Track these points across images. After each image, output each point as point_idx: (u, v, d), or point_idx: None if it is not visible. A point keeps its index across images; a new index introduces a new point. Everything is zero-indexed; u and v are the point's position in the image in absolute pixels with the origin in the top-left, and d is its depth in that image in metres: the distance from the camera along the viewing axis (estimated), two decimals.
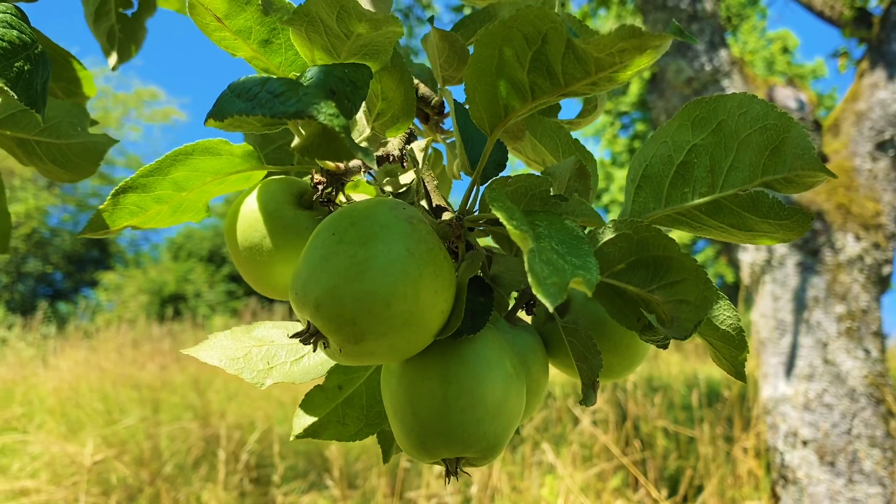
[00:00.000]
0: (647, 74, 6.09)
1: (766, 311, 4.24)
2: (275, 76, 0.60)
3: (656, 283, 0.55)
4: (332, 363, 0.64)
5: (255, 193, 0.63)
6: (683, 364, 8.87)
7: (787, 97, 4.55)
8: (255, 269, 0.62)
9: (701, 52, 4.45)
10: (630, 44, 0.41)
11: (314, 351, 0.49)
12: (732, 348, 0.58)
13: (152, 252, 23.11)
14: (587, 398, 0.57)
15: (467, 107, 0.55)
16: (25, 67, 0.54)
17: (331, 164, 0.59)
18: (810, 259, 4.09)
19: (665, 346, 0.58)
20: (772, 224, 0.56)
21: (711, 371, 8.34)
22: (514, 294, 0.66)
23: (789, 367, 4.14)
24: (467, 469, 3.47)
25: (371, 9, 0.66)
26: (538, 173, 0.51)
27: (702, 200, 0.58)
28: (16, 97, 0.53)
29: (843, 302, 4.00)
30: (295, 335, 0.49)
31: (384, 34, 0.50)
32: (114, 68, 0.96)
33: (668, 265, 0.54)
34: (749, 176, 0.55)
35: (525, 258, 0.37)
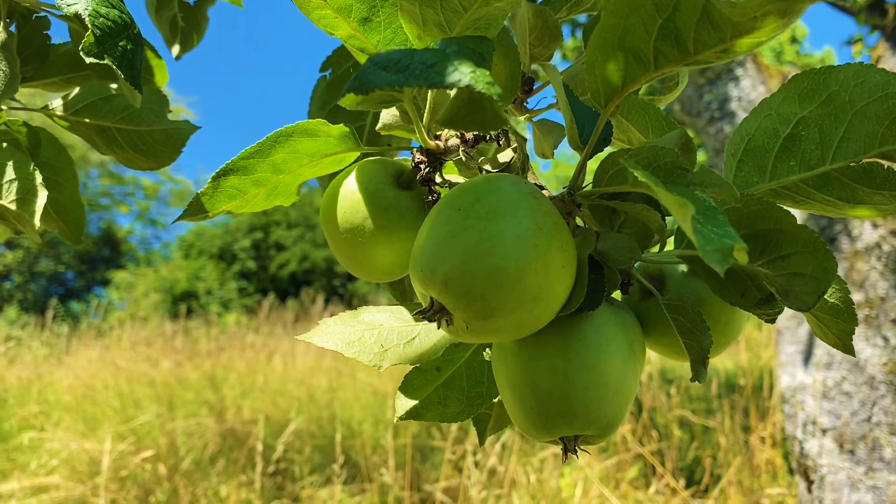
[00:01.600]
0: None
1: None
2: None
3: (766, 258, 0.54)
4: (444, 344, 0.63)
5: (353, 175, 0.62)
6: None
7: None
8: (356, 250, 0.62)
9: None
10: (775, 6, 0.40)
11: (437, 328, 0.48)
12: (842, 321, 0.58)
13: (163, 250, 23.18)
14: (698, 374, 0.57)
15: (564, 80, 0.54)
16: (128, 47, 0.54)
17: (431, 144, 0.58)
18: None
19: (773, 321, 0.57)
20: (885, 195, 0.55)
21: (726, 361, 8.32)
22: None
23: (807, 355, 4.13)
24: (486, 461, 3.45)
25: None
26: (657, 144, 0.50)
27: (810, 173, 0.57)
28: (122, 76, 0.53)
29: (861, 290, 3.98)
30: (418, 312, 0.48)
31: (500, 7, 0.50)
32: (177, 58, 0.95)
33: (780, 238, 0.53)
34: (864, 147, 0.54)
35: (689, 225, 0.37)
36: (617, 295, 0.69)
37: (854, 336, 3.23)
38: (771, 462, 4.67)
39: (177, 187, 22.09)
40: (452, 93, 0.47)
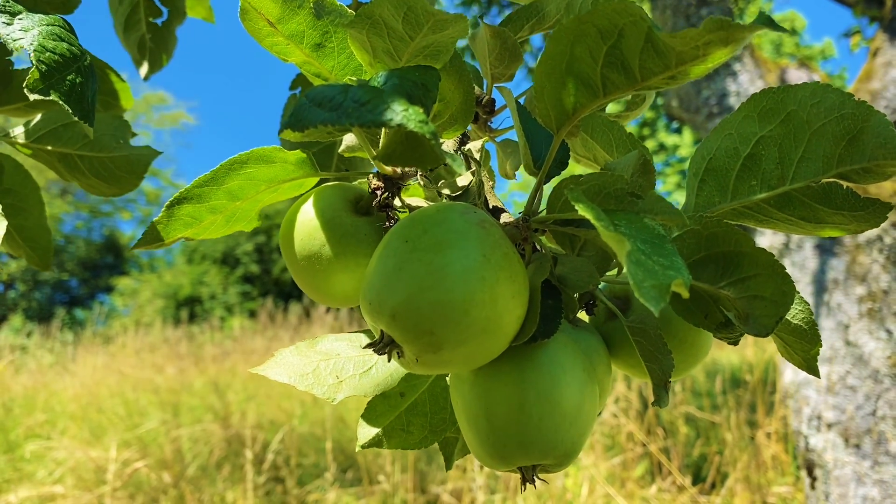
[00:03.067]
0: None
1: None
2: (328, 81, 0.59)
3: (727, 279, 0.53)
4: (402, 374, 0.63)
5: (310, 201, 0.62)
6: None
7: (799, 79, 4.51)
8: (314, 278, 0.61)
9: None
10: (717, 36, 0.40)
11: (388, 361, 0.48)
12: (805, 342, 0.57)
13: (166, 256, 23.22)
14: (660, 399, 0.56)
15: (521, 101, 0.53)
16: (77, 80, 0.53)
17: (388, 170, 0.58)
18: (828, 241, 4.05)
19: (736, 343, 0.57)
20: (845, 216, 0.54)
21: (731, 357, 8.30)
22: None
23: None
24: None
25: None
26: (602, 170, 0.49)
27: (771, 193, 0.56)
28: (69, 111, 0.52)
29: (864, 283, 3.96)
30: (369, 345, 0.48)
31: (449, 35, 0.49)
32: (146, 78, 0.95)
33: (740, 260, 0.52)
34: (823, 167, 0.53)
35: (625, 262, 0.36)
36: (585, 316, 0.68)
37: (857, 330, 3.22)
38: (777, 458, 4.65)
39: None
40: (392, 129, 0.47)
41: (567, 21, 0.44)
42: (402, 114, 0.37)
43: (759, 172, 0.56)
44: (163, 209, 0.56)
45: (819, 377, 0.58)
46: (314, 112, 0.39)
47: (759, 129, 0.56)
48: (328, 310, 11.50)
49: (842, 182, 0.53)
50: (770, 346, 7.24)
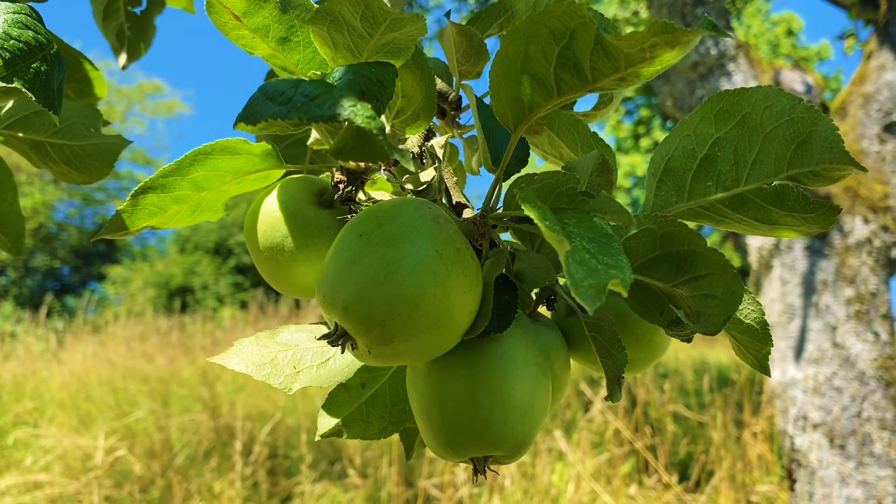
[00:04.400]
0: None
1: (775, 296, 4.23)
2: (294, 74, 0.60)
3: (681, 278, 0.54)
4: (359, 365, 0.64)
5: (274, 193, 0.63)
6: (691, 350, 8.87)
7: (793, 80, 4.52)
8: (277, 269, 0.62)
9: (706, 38, 4.42)
10: (662, 39, 0.41)
11: (342, 353, 0.49)
12: (757, 342, 0.58)
13: (159, 245, 23.18)
14: (612, 394, 0.57)
15: (487, 101, 0.54)
16: (42, 68, 0.54)
17: (352, 164, 0.59)
18: (818, 242, 4.08)
19: (689, 341, 0.58)
20: (797, 217, 0.55)
21: (720, 356, 8.33)
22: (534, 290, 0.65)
23: (798, 350, 4.14)
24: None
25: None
26: (561, 170, 0.50)
27: (725, 194, 0.57)
28: (33, 98, 0.53)
29: (852, 285, 3.99)
30: (322, 337, 0.49)
31: (408, 33, 0.50)
32: (123, 67, 0.95)
33: (693, 260, 0.53)
34: (774, 169, 0.54)
35: (563, 261, 0.37)
36: (547, 311, 0.69)
37: (845, 332, 3.24)
38: (763, 457, 4.68)
39: None
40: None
41: (521, 21, 0.45)
42: (349, 109, 0.38)
43: (715, 173, 0.57)
44: (127, 198, 0.57)
45: (770, 376, 0.59)
46: (265, 106, 0.40)
47: (716, 130, 0.57)
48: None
49: (792, 184, 0.54)
50: None
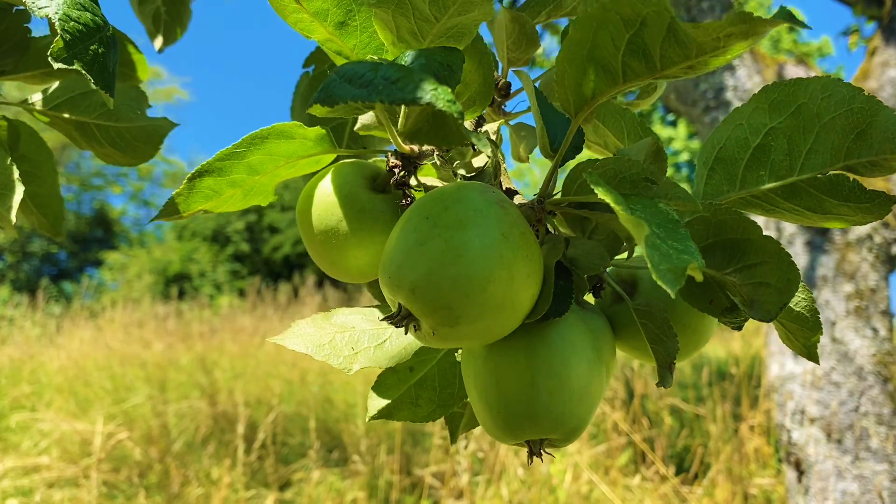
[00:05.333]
0: None
1: None
2: (349, 59, 0.60)
3: (734, 266, 0.55)
4: (415, 347, 0.64)
5: (328, 177, 0.63)
6: None
7: (796, 75, 4.52)
8: (331, 252, 0.62)
9: None
10: (738, 29, 0.41)
11: (405, 334, 0.49)
12: (807, 330, 0.59)
13: (156, 232, 23.12)
14: (664, 380, 0.58)
15: (537, 85, 0.55)
16: (100, 50, 0.54)
17: (406, 148, 0.59)
18: (819, 238, 4.09)
19: (740, 329, 0.58)
20: (851, 207, 0.56)
21: (718, 349, 8.36)
22: None
23: None
24: (477, 447, 3.46)
25: None
26: (617, 155, 0.51)
27: (778, 183, 0.58)
28: (92, 81, 0.53)
29: (852, 281, 4.00)
30: (386, 318, 0.49)
31: (473, 17, 0.50)
32: (160, 51, 0.95)
33: (747, 248, 0.54)
34: (830, 159, 0.55)
35: (643, 245, 0.37)
36: (590, 298, 0.70)
37: (844, 327, 3.25)
38: (760, 450, 4.71)
39: (171, 168, 22.03)
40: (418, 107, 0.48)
41: (591, 8, 0.45)
42: (431, 93, 0.38)
43: (768, 163, 0.58)
44: (183, 182, 0.57)
45: (819, 363, 0.60)
46: (344, 88, 0.40)
47: (770, 120, 0.57)
48: (318, 289, 11.50)
49: (848, 174, 0.55)
50: (756, 340, 7.30)
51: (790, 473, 3.94)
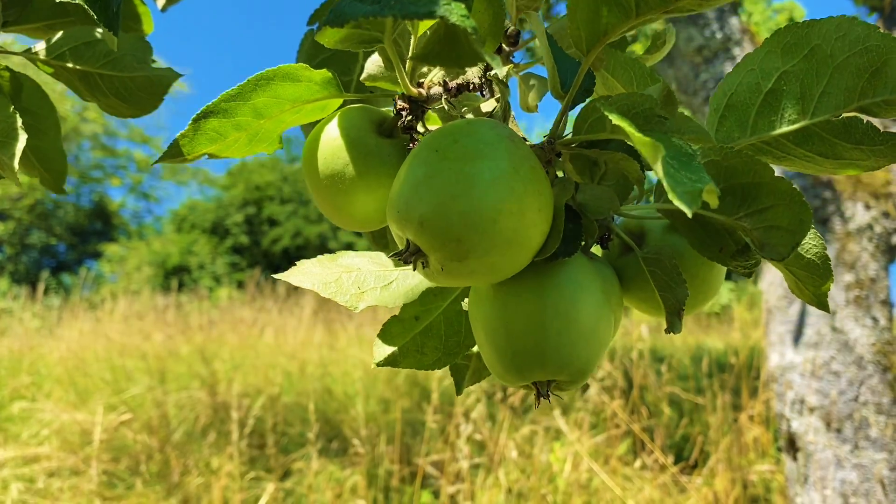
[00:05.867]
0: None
1: (775, 280, 4.24)
2: None
3: (744, 211, 0.54)
4: (422, 288, 0.64)
5: (335, 121, 0.62)
6: (687, 337, 8.91)
7: None
8: (336, 197, 0.62)
9: (712, 20, 4.41)
10: None
11: (413, 270, 0.48)
12: (817, 277, 0.58)
13: (155, 224, 23.10)
14: (673, 326, 0.57)
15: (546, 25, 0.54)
16: None
17: (414, 91, 0.58)
18: (819, 228, 4.08)
19: (750, 275, 0.58)
20: (864, 150, 0.55)
21: (716, 343, 8.37)
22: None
23: (797, 335, 4.16)
24: (476, 434, 3.46)
25: None
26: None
27: (790, 128, 0.57)
28: (94, 16, 0.52)
29: (852, 271, 4.00)
30: (394, 254, 0.49)
31: None
32: (163, 9, 0.94)
33: (758, 192, 0.53)
34: (844, 101, 0.54)
35: (659, 168, 0.37)
36: (598, 251, 0.69)
37: (844, 316, 3.25)
38: (759, 440, 4.71)
39: None
40: (428, 30, 0.47)
41: None
42: (444, 7, 0.38)
43: (780, 108, 0.57)
44: (189, 123, 0.56)
45: (829, 311, 0.59)
46: (354, 6, 0.39)
47: (782, 63, 0.56)
48: None
49: (862, 116, 0.54)
50: (755, 332, 7.30)
51: (789, 462, 3.95)
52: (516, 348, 0.53)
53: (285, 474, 4.78)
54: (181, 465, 4.59)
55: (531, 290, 0.53)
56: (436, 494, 4.22)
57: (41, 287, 9.96)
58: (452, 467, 4.13)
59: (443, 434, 4.59)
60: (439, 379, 5.06)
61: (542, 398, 0.54)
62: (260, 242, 19.88)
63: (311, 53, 0.78)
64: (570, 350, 0.52)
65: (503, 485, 4.02)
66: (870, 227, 4.09)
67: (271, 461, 4.71)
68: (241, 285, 15.67)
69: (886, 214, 4.10)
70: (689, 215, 0.36)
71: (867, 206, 4.14)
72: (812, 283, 0.58)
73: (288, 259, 18.77)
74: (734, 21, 4.39)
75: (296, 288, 11.32)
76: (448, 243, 0.47)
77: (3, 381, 6.04)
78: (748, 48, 4.38)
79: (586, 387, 5.43)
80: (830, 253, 4.05)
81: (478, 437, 4.29)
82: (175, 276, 16.69)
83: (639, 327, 5.69)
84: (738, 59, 4.28)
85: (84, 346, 7.41)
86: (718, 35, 4.41)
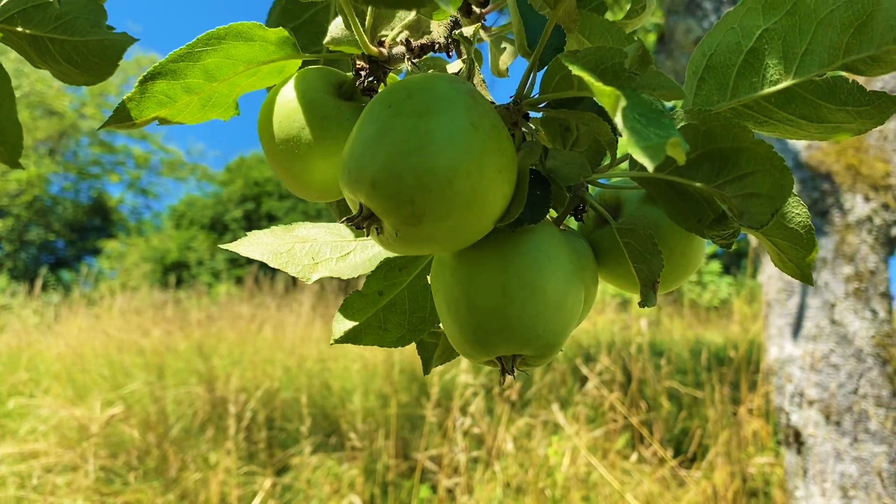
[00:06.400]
0: (653, 37, 6.00)
1: (774, 273, 4.22)
2: None
3: (723, 178, 0.51)
4: (380, 258, 0.61)
5: (291, 83, 0.59)
6: (686, 331, 8.88)
7: None
8: (293, 163, 0.58)
9: (710, 12, 4.38)
10: None
11: (367, 235, 0.45)
12: (800, 248, 0.55)
13: (154, 220, 23.08)
14: (647, 299, 0.54)
15: None
16: None
17: (374, 50, 0.55)
18: (819, 220, 4.05)
19: (730, 247, 0.55)
20: (849, 112, 0.52)
21: (715, 337, 8.34)
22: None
23: (796, 328, 4.13)
24: (475, 428, 3.44)
25: None
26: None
27: (772, 90, 0.54)
28: None
29: (851, 263, 3.97)
30: (346, 220, 0.45)
31: None
32: None
33: (738, 157, 0.50)
34: (828, 58, 0.51)
35: (620, 118, 0.34)
36: (573, 224, 0.66)
37: (843, 309, 3.22)
38: (758, 433, 4.69)
39: (168, 157, 22.01)
40: None
41: None
42: None
43: (762, 68, 0.54)
44: (135, 85, 0.53)
45: (812, 285, 0.56)
46: None
47: (764, 21, 0.53)
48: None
49: (847, 75, 0.51)
50: (754, 326, 7.27)
51: (789, 456, 3.92)
52: (479, 321, 0.49)
53: (283, 469, 4.77)
54: (179, 460, 4.58)
55: (494, 259, 0.50)
56: (434, 489, 4.20)
57: (39, 283, 9.94)
58: (450, 461, 4.11)
59: (441, 428, 4.57)
60: (440, 374, 5.04)
61: (506, 374, 0.51)
62: None
63: (280, 21, 0.75)
64: (536, 322, 0.49)
65: (501, 479, 4.00)
66: (869, 219, 4.06)
67: (269, 456, 4.69)
68: (239, 281, 15.64)
69: (886, 206, 4.07)
70: (651, 170, 0.33)
71: (866, 198, 4.11)
72: (795, 253, 0.55)
73: None
74: None
75: (294, 283, 11.30)
76: (402, 206, 0.43)
77: (1, 378, 6.03)
78: None
79: (585, 380, 5.39)
80: (830, 245, 4.02)
81: (476, 430, 4.27)
82: (174, 272, 16.65)
83: (638, 321, 5.68)
84: None
85: (82, 342, 7.39)
86: None
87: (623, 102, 0.36)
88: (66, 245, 20.83)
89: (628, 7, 0.68)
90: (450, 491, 4.07)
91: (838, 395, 3.90)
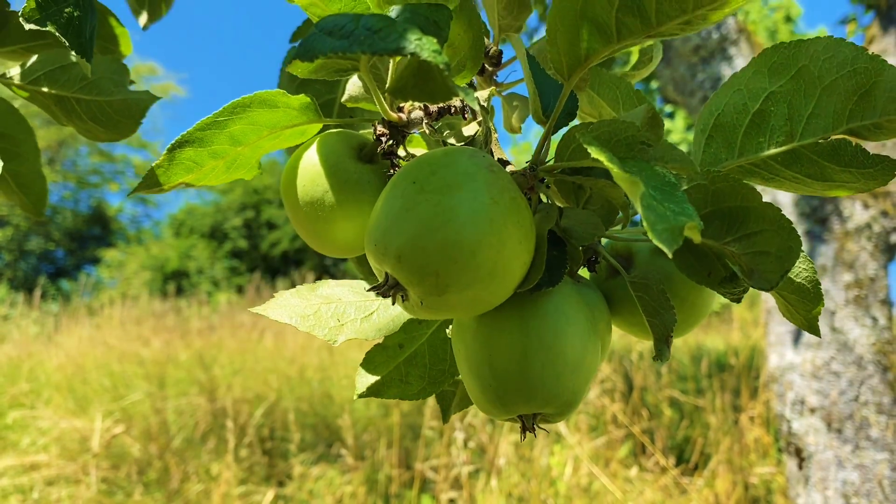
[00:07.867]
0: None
1: None
2: None
3: (732, 235, 0.53)
4: (404, 319, 0.63)
5: (314, 147, 0.61)
6: (687, 337, 8.90)
7: None
8: (316, 225, 0.60)
9: None
10: None
11: (392, 304, 0.47)
12: (808, 302, 0.57)
13: (154, 229, 23.09)
14: (661, 354, 0.56)
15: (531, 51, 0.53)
16: (75, 13, 0.52)
17: (394, 116, 0.57)
18: (818, 227, 4.07)
19: (739, 301, 0.56)
20: (853, 173, 0.54)
21: (717, 341, 8.35)
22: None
23: (797, 335, 4.14)
24: (476, 440, 3.45)
25: None
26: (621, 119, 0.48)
27: (778, 150, 0.56)
28: (66, 44, 0.51)
29: (851, 270, 3.99)
30: (373, 288, 0.47)
31: None
32: (145, 28, 0.93)
33: (746, 216, 0.52)
34: (833, 123, 0.53)
35: (638, 204, 0.36)
36: (585, 273, 0.68)
37: (843, 316, 3.24)
38: (760, 441, 4.70)
39: None
40: (403, 62, 0.46)
41: None
42: (415, 43, 0.36)
43: (768, 129, 0.56)
44: (164, 153, 0.55)
45: (819, 336, 0.58)
46: (324, 41, 0.38)
47: (769, 84, 0.55)
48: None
49: (851, 139, 0.53)
50: (755, 331, 7.29)
51: (790, 463, 3.93)
52: (500, 382, 0.51)
53: (285, 479, 4.77)
54: (181, 471, 4.58)
55: (515, 322, 0.52)
56: (436, 499, 4.21)
57: (39, 293, 9.94)
58: (452, 472, 4.12)
59: (442, 438, 4.58)
60: None
61: (527, 431, 0.52)
62: (259, 246, 19.86)
63: (292, 77, 0.77)
64: (556, 383, 0.51)
65: (504, 490, 4.01)
66: (868, 226, 4.07)
67: (271, 467, 4.69)
68: (240, 290, 15.65)
69: (885, 213, 4.09)
70: (670, 256, 0.35)
71: (866, 206, 4.13)
72: (803, 307, 0.57)
73: (287, 263, 18.77)
74: (730, 21, 4.37)
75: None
76: (427, 277, 0.46)
77: (2, 389, 6.03)
78: (744, 48, 4.36)
79: None
80: (829, 253, 4.04)
81: (477, 441, 4.28)
82: (174, 281, 16.66)
83: None
84: (735, 60, 4.25)
85: (83, 353, 7.39)
86: (715, 35, 4.40)
87: (641, 188, 0.37)
88: (66, 254, 20.84)
89: (635, 60, 0.70)
90: (452, 501, 4.08)
91: (839, 403, 3.91)
